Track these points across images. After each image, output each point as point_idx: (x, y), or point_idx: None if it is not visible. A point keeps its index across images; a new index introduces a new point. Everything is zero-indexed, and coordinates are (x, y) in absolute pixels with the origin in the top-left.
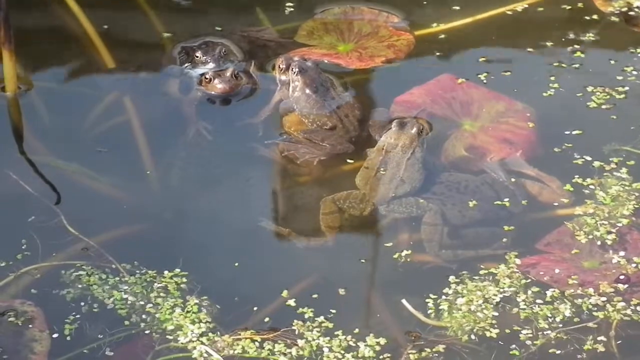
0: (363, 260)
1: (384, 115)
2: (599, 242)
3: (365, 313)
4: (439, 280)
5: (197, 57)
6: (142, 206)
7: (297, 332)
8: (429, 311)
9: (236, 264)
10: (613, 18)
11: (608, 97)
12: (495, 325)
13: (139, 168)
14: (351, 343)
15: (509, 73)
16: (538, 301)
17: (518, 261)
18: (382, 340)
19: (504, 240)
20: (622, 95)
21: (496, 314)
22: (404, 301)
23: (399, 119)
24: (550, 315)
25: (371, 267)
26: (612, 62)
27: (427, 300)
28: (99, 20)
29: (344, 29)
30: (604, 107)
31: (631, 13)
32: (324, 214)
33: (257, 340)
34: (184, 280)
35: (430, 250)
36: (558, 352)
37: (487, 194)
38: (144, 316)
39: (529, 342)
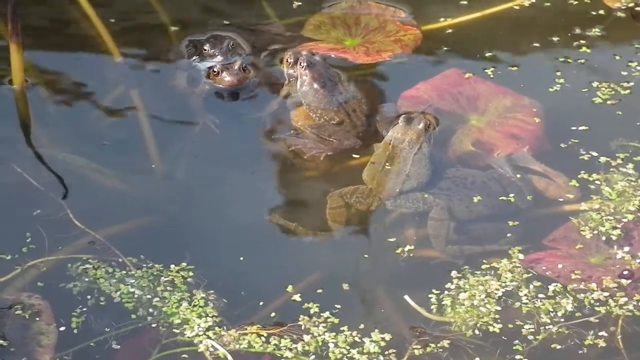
0: (366, 256)
1: (391, 110)
2: (604, 238)
3: (370, 308)
4: (441, 276)
5: (205, 50)
6: (148, 200)
7: (303, 327)
8: (432, 306)
9: (242, 258)
10: (620, 14)
11: (613, 92)
12: (499, 320)
13: (146, 161)
14: (357, 339)
15: (515, 68)
16: (540, 296)
17: (521, 256)
18: (387, 336)
19: (509, 235)
20: (627, 91)
21: (499, 308)
22: (406, 297)
23: (406, 114)
24: (552, 309)
25: (375, 262)
26: (618, 57)
27: (430, 295)
28: (107, 13)
29: (351, 24)
30: (609, 102)
31: (638, 9)
32: (331, 209)
33: (263, 335)
34: (191, 274)
35: (436, 245)
36: (559, 347)
37: (493, 190)
38: (150, 310)
39: (531, 337)
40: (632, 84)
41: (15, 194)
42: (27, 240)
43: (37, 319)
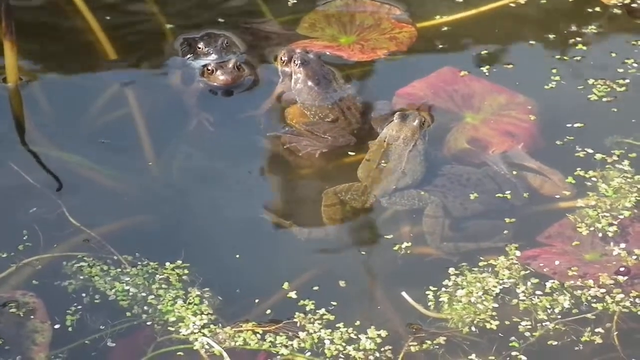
0: (363, 253)
1: (386, 108)
2: (600, 234)
3: (366, 305)
4: (439, 272)
5: (200, 48)
6: (143, 198)
7: (298, 325)
8: (429, 303)
9: (238, 256)
10: (616, 10)
11: (609, 89)
12: (495, 317)
13: (141, 160)
14: (352, 335)
15: (511, 66)
16: (537, 292)
17: (518, 253)
18: (383, 333)
19: (506, 232)
20: (623, 88)
21: (496, 305)
22: (403, 293)
23: (401, 112)
24: (549, 306)
25: (372, 260)
26: (614, 54)
27: (427, 292)
28: (102, 11)
29: (346, 21)
30: (605, 99)
31: (634, 5)
32: (326, 206)
33: (258, 332)
34: (186, 271)
35: (432, 242)
36: (556, 343)
37: (488, 187)
38: (145, 307)
39: (528, 334)
40: (627, 80)
41: (11, 192)
42: (23, 238)
43: (32, 317)
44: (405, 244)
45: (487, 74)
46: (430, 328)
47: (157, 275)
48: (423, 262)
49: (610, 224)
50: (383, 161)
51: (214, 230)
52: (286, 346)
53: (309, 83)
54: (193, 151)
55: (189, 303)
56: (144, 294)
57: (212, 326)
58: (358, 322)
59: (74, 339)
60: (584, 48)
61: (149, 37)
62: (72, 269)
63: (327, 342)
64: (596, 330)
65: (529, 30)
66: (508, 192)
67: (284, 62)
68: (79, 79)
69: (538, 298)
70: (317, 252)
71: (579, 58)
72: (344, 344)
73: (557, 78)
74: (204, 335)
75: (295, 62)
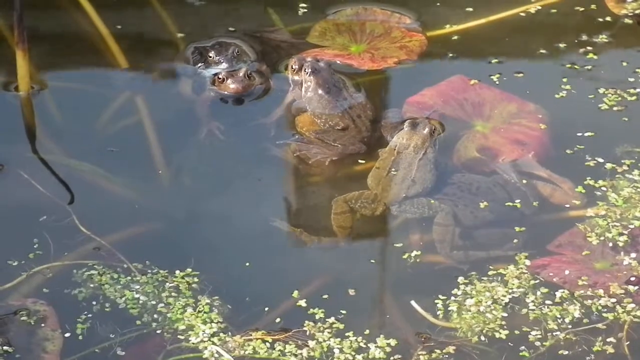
0: (373, 261)
1: (396, 116)
2: (610, 244)
3: (375, 314)
4: (448, 281)
5: (210, 57)
6: (154, 206)
7: (308, 333)
8: (438, 312)
9: (247, 264)
10: (626, 20)
11: (620, 99)
12: (505, 326)
13: (151, 168)
14: (362, 344)
15: (521, 74)
16: (547, 302)
17: (528, 262)
18: (393, 342)
19: (516, 241)
20: (634, 97)
21: (505, 314)
22: (412, 302)
23: (411, 120)
24: (559, 316)
25: (381, 268)
26: (625, 64)
27: (436, 301)
28: (112, 20)
29: (357, 30)
30: (615, 109)
31: None
32: (336, 214)
33: (268, 341)
34: (196, 280)
35: (441, 251)
36: (567, 353)
37: (498, 195)
38: (155, 316)
39: (538, 343)
40: (638, 90)
41: (21, 200)
42: (34, 247)
43: (43, 325)
44: (415, 253)
45: (497, 82)
46: (439, 337)
47: (167, 284)
48: (433, 270)
49: (621, 234)
50: (393, 169)
51: (224, 238)
52: (296, 355)
53: (320, 91)
54: (203, 159)
55: (199, 311)
56: (153, 302)
57: (221, 334)
58: (367, 331)
59: (84, 347)
60: (595, 57)
61: (160, 45)
62: (82, 277)
63: (336, 350)
64: (607, 340)
65: (540, 39)
66: (518, 200)
67: (294, 70)
68: (90, 87)
69: (548, 307)
70: (326, 260)
71: (589, 67)
72: (353, 353)
73: (568, 87)
74: (214, 343)
75: (306, 70)
